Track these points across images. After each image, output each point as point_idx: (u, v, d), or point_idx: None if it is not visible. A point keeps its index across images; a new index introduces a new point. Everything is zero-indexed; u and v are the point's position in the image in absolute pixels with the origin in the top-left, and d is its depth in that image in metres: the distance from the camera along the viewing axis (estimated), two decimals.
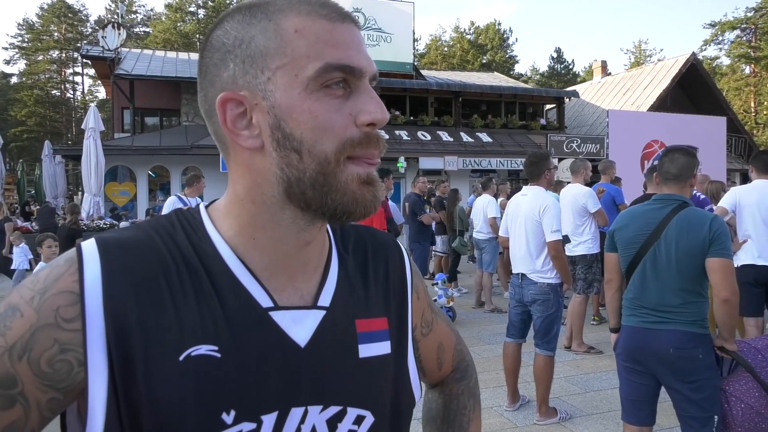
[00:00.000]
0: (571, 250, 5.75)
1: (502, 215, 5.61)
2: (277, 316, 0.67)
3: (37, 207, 16.22)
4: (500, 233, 4.54)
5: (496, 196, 8.31)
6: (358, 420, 0.71)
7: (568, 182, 6.38)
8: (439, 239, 9.18)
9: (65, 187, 19.98)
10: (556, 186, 6.92)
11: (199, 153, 16.98)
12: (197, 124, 20.42)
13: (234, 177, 0.69)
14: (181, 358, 0.61)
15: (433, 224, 9.25)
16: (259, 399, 0.64)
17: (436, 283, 7.02)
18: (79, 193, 21.28)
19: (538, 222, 3.94)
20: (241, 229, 0.68)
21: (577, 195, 5.62)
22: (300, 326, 0.68)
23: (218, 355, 0.62)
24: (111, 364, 0.59)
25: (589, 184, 6.04)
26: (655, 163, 9.51)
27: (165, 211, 7.72)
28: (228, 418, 0.62)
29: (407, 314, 0.82)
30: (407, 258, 0.86)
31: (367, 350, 0.73)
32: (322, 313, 0.70)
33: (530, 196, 4.06)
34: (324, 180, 0.63)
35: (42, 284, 0.61)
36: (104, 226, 12.65)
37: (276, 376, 0.65)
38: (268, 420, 0.64)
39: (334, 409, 0.69)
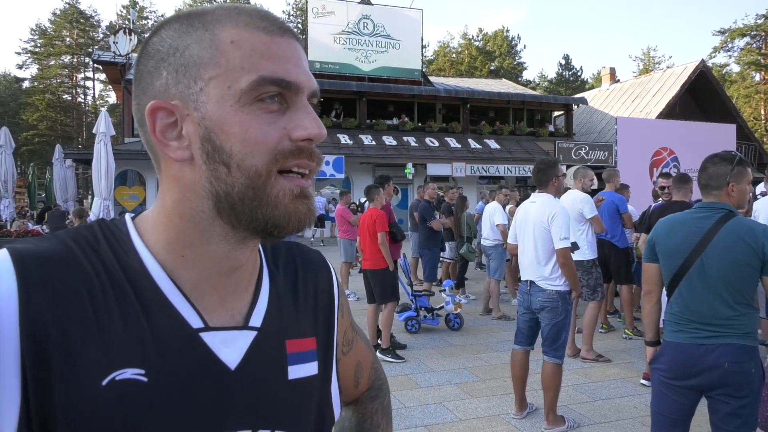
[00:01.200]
0: None
1: (510, 222, 5.61)
2: (207, 337, 0.63)
3: (48, 210, 16.33)
4: (509, 240, 4.55)
5: (506, 204, 8.31)
6: None
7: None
8: (446, 245, 9.18)
9: (75, 190, 20.13)
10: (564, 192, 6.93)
11: None
12: None
13: (163, 189, 0.65)
14: (104, 382, 0.56)
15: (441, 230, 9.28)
16: (187, 425, 0.60)
17: (444, 290, 7.01)
18: (89, 196, 21.43)
19: (546, 229, 3.94)
20: (169, 245, 0.64)
21: (574, 201, 5.62)
22: (230, 348, 0.65)
23: (145, 379, 0.58)
24: (25, 389, 0.54)
25: (595, 192, 6.04)
26: (664, 171, 9.45)
27: None
28: None
29: (333, 333, 0.80)
30: (335, 276, 0.85)
31: (296, 372, 0.71)
32: (254, 333, 0.67)
33: (539, 203, 4.06)
34: (253, 194, 0.61)
35: None
36: None
37: (205, 401, 0.62)
38: None
39: None
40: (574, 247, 4.80)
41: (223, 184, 0.61)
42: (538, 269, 3.98)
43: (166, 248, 0.64)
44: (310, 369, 0.73)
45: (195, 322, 0.63)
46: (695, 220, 2.56)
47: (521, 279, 4.20)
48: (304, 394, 0.71)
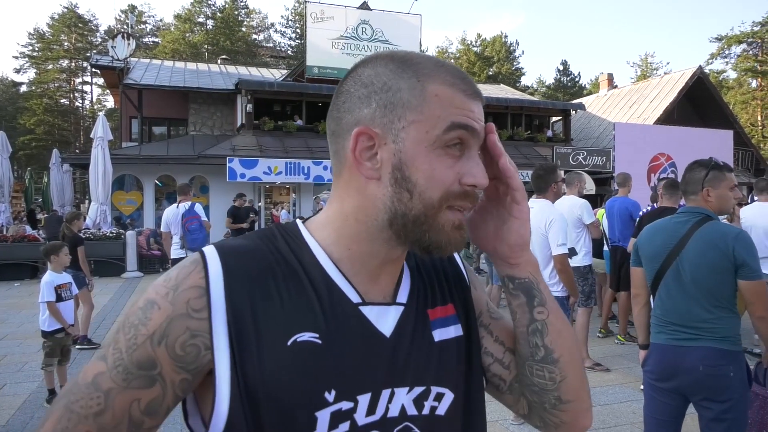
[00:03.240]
0: None
1: None
2: (366, 310, 0.78)
3: (45, 216, 16.29)
4: None
5: None
6: (438, 397, 0.81)
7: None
8: None
9: (72, 195, 20.10)
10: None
11: (206, 162, 17.05)
12: (204, 134, 20.54)
13: (343, 195, 0.79)
14: (288, 342, 0.72)
15: None
16: (354, 381, 0.74)
17: None
18: (87, 201, 21.39)
19: (544, 235, 3.93)
20: (339, 239, 0.79)
21: (573, 207, 5.62)
22: (384, 319, 0.79)
23: (319, 341, 0.73)
24: (232, 347, 0.70)
25: (594, 197, 6.03)
26: (663, 176, 9.45)
27: (164, 219, 7.72)
28: (330, 396, 0.72)
29: (471, 302, 0.92)
30: (457, 257, 0.97)
31: (441, 334, 0.83)
32: (401, 308, 0.81)
33: (537, 209, 4.05)
34: (425, 219, 0.74)
35: (174, 282, 0.74)
36: (110, 234, 12.70)
37: (367, 362, 0.75)
38: (363, 400, 0.74)
39: (418, 389, 0.79)
40: (572, 253, 4.80)
41: (403, 206, 0.74)
42: None
43: (335, 242, 0.79)
44: (455, 331, 0.85)
45: (355, 298, 0.77)
46: (673, 225, 2.62)
47: None
48: (450, 353, 0.83)
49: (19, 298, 9.87)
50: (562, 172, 4.52)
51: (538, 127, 23.51)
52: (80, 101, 48.85)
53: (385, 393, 0.76)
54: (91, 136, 13.32)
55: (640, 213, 6.11)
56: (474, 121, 0.75)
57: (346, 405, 0.73)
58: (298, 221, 0.85)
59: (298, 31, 47.31)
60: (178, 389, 0.72)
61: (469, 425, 0.85)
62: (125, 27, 36.78)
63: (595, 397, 4.75)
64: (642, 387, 4.80)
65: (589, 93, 38.75)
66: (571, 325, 0.96)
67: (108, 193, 13.34)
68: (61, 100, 46.59)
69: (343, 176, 0.79)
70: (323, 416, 0.71)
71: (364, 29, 21.88)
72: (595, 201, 6.41)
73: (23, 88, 47.56)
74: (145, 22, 49.75)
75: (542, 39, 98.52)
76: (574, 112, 24.27)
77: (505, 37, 51.24)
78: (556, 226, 3.89)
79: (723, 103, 23.88)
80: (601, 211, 7.26)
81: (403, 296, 0.82)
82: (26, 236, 12.80)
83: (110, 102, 45.21)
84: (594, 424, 4.14)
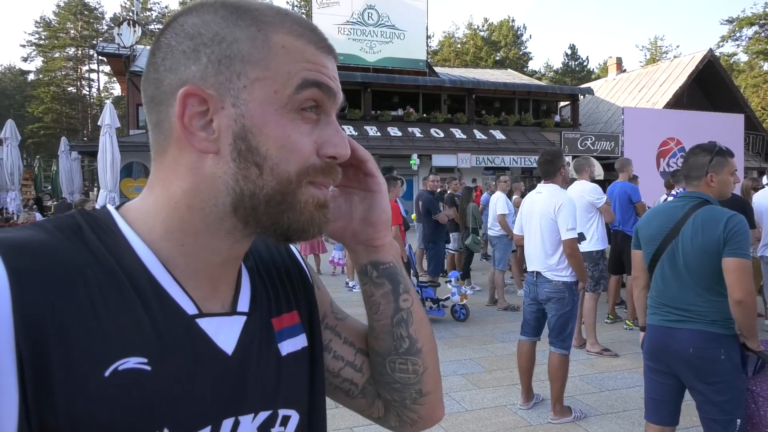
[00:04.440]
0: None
1: (516, 213, 5.60)
2: (203, 323, 0.63)
3: (54, 203, 16.41)
4: (515, 231, 4.53)
5: (510, 194, 8.30)
6: (284, 421, 0.71)
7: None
8: (451, 237, 9.17)
9: (81, 183, 20.19)
10: (571, 183, 6.91)
11: None
12: None
13: (169, 177, 0.63)
14: (107, 373, 0.54)
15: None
16: (192, 413, 0.60)
17: (450, 281, 7.01)
18: (95, 189, 21.51)
19: (553, 220, 3.92)
20: (168, 233, 0.63)
21: (583, 192, 5.60)
22: (224, 333, 0.65)
23: (148, 367, 0.57)
24: (23, 385, 0.50)
25: (603, 183, 6.02)
26: (672, 162, 9.39)
27: None
28: None
29: (315, 305, 0.81)
30: (296, 251, 0.85)
31: (287, 347, 0.72)
32: (243, 318, 0.68)
33: (545, 194, 4.04)
34: (282, 198, 0.62)
35: None
36: None
37: (207, 387, 0.61)
38: None
39: (264, 415, 0.68)
40: (581, 237, 4.79)
41: (251, 184, 0.60)
42: (544, 260, 3.97)
43: (163, 236, 0.63)
44: (300, 342, 0.74)
45: (190, 308, 0.62)
46: (671, 209, 2.65)
47: (527, 270, 4.19)
48: (296, 368, 0.73)
49: None
50: (570, 158, 4.50)
51: (545, 113, 23.36)
52: (87, 89, 48.97)
53: (227, 423, 0.63)
54: (99, 123, 13.36)
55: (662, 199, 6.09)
56: (329, 78, 0.64)
57: None
58: (110, 208, 0.66)
59: (303, 16, 47.05)
60: None
61: None
62: (131, 14, 36.67)
63: (603, 382, 4.76)
64: None
65: (598, 77, 38.40)
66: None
67: (116, 180, 13.40)
68: (69, 88, 46.71)
69: (168, 153, 0.63)
70: None
71: (370, 14, 21.73)
72: (604, 186, 6.38)
73: (31, 77, 47.71)
74: (150, 9, 49.60)
75: (550, 23, 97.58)
76: (582, 96, 24.07)
77: (513, 21, 50.80)
78: (565, 210, 3.88)
79: (734, 87, 23.61)
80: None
81: (244, 304, 0.69)
82: (36, 223, 12.90)
83: (117, 90, 45.30)
84: (602, 409, 4.16)
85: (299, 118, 0.62)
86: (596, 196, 5.59)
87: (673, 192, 6.37)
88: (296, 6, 49.11)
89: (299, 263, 0.83)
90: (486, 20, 51.97)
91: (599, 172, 13.60)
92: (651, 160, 9.15)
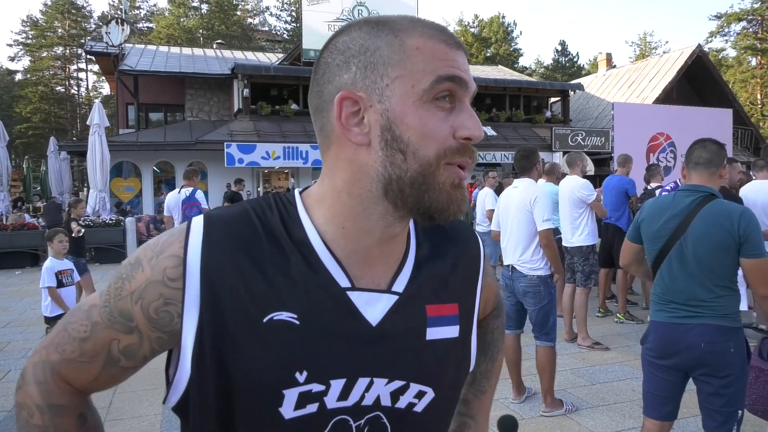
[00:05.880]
0: (569, 241, 5.79)
1: None
2: (354, 296, 0.74)
3: (44, 203, 16.29)
4: (492, 227, 4.57)
5: (499, 190, 8.32)
6: (420, 394, 0.79)
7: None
8: None
9: (71, 183, 20.05)
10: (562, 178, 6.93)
11: (204, 148, 16.99)
12: (201, 120, 20.44)
13: (333, 170, 0.75)
14: (264, 320, 0.70)
15: None
16: (329, 365, 0.72)
17: None
18: (85, 189, 21.36)
19: (529, 212, 3.97)
20: (332, 218, 0.75)
21: (574, 187, 5.64)
22: (373, 307, 0.75)
23: (297, 322, 0.71)
24: (201, 319, 0.70)
25: (593, 178, 6.04)
26: (661, 156, 9.42)
27: (166, 203, 7.74)
28: (300, 377, 0.71)
29: (476, 301, 0.89)
30: (482, 249, 0.93)
31: (435, 333, 0.80)
32: (395, 297, 0.77)
33: (521, 188, 4.09)
34: (423, 180, 0.70)
35: (159, 247, 0.75)
36: (110, 221, 12.70)
37: (347, 349, 0.73)
38: (336, 384, 0.73)
39: (398, 383, 0.77)
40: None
41: (397, 169, 0.70)
42: (519, 253, 4.03)
43: (329, 220, 0.75)
44: (451, 332, 0.82)
45: (344, 282, 0.74)
46: (678, 203, 2.61)
47: (503, 264, 4.25)
48: (441, 353, 0.81)
49: (21, 286, 9.91)
50: (560, 153, 4.52)
51: (536, 109, 23.40)
52: (76, 88, 48.52)
53: (362, 381, 0.74)
54: (88, 123, 13.27)
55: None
56: (461, 71, 0.72)
57: (317, 387, 0.72)
58: (296, 192, 0.81)
59: (293, 14, 46.85)
60: (155, 344, 0.75)
61: (443, 423, 0.85)
62: (119, 12, 36.39)
63: (595, 375, 4.79)
64: None
65: (588, 73, 38.51)
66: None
67: (106, 180, 13.32)
68: (57, 88, 46.25)
69: (331, 150, 0.75)
70: (291, 395, 0.71)
71: (360, 11, 21.68)
72: (595, 181, 6.41)
73: (18, 77, 47.19)
74: (138, 7, 49.22)
75: (540, 19, 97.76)
76: (572, 92, 24.14)
77: (503, 17, 50.80)
78: (541, 202, 3.93)
79: (722, 82, 23.76)
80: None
81: (400, 285, 0.78)
82: (26, 224, 12.80)
83: (106, 89, 44.95)
84: (594, 401, 4.19)
85: (435, 107, 0.70)
86: (587, 191, 5.61)
87: (666, 185, 6.42)
88: (287, 4, 48.92)
89: (479, 260, 0.92)
90: (476, 17, 52.05)
91: (590, 167, 13.68)
92: (641, 155, 9.19)
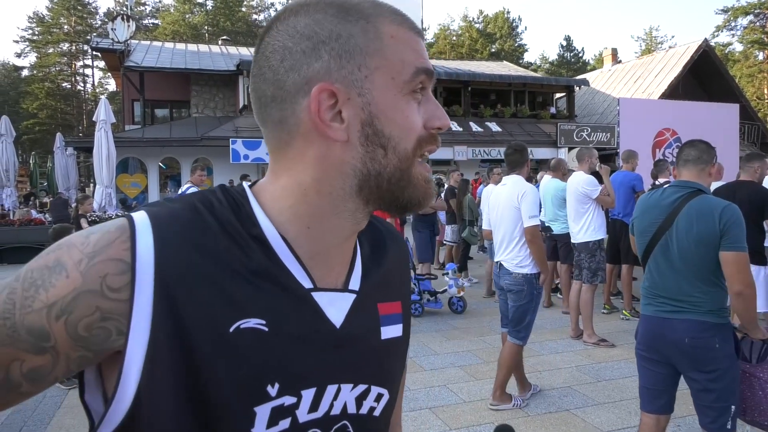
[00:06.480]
0: (576, 237, 5.78)
1: None
2: (317, 296, 0.70)
3: (50, 199, 16.37)
4: (484, 226, 4.59)
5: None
6: (378, 397, 0.77)
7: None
8: (449, 229, 9.19)
9: (77, 178, 20.15)
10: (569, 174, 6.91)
11: (209, 144, 17.04)
12: (207, 116, 20.48)
13: (296, 167, 0.69)
14: (231, 329, 0.63)
15: (444, 214, 9.26)
16: (300, 374, 0.67)
17: (447, 273, 7.03)
18: (91, 184, 21.45)
19: (516, 208, 3.97)
20: (296, 218, 0.69)
21: (578, 183, 5.63)
22: (335, 308, 0.71)
23: (266, 329, 0.65)
24: (154, 335, 0.60)
25: (598, 174, 6.01)
26: (667, 151, 9.39)
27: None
28: (272, 390, 0.65)
29: (410, 300, 0.88)
30: (409, 245, 0.93)
31: (387, 332, 0.78)
32: (353, 296, 0.74)
33: (509, 184, 4.09)
34: (401, 175, 0.68)
35: (92, 248, 0.61)
36: (116, 217, 12.76)
37: (316, 353, 0.69)
38: (307, 395, 0.68)
39: (361, 387, 0.74)
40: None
41: (377, 165, 0.67)
42: (507, 251, 4.05)
43: (291, 220, 0.69)
44: (396, 331, 0.80)
45: (306, 283, 0.69)
46: (664, 199, 2.65)
47: (494, 261, 4.28)
48: (392, 353, 0.79)
49: None
50: (566, 149, 4.52)
51: (541, 104, 23.34)
52: (82, 85, 48.67)
53: (331, 389, 0.70)
54: (94, 119, 13.31)
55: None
56: (428, 61, 0.70)
57: (288, 400, 0.66)
58: (246, 187, 0.73)
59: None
60: (73, 364, 0.61)
61: (388, 426, 0.83)
62: (124, 9, 36.43)
63: (600, 372, 4.80)
64: None
65: (593, 68, 38.36)
66: None
67: (112, 176, 13.36)
68: (63, 84, 46.41)
69: (293, 146, 0.68)
70: (263, 411, 0.65)
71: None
72: (600, 178, 6.39)
73: (25, 73, 47.37)
74: (144, 4, 49.28)
75: (545, 14, 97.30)
76: (577, 88, 24.06)
77: (508, 12, 50.65)
78: (528, 198, 3.93)
79: (729, 77, 23.62)
80: None
81: (355, 283, 0.75)
82: (32, 220, 12.87)
83: (112, 85, 45.08)
84: (599, 398, 4.19)
85: (411, 99, 0.68)
86: (590, 187, 5.60)
87: (657, 182, 6.41)
88: None
89: (407, 257, 0.90)
90: (481, 12, 51.84)
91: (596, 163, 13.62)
92: (647, 151, 9.15)
